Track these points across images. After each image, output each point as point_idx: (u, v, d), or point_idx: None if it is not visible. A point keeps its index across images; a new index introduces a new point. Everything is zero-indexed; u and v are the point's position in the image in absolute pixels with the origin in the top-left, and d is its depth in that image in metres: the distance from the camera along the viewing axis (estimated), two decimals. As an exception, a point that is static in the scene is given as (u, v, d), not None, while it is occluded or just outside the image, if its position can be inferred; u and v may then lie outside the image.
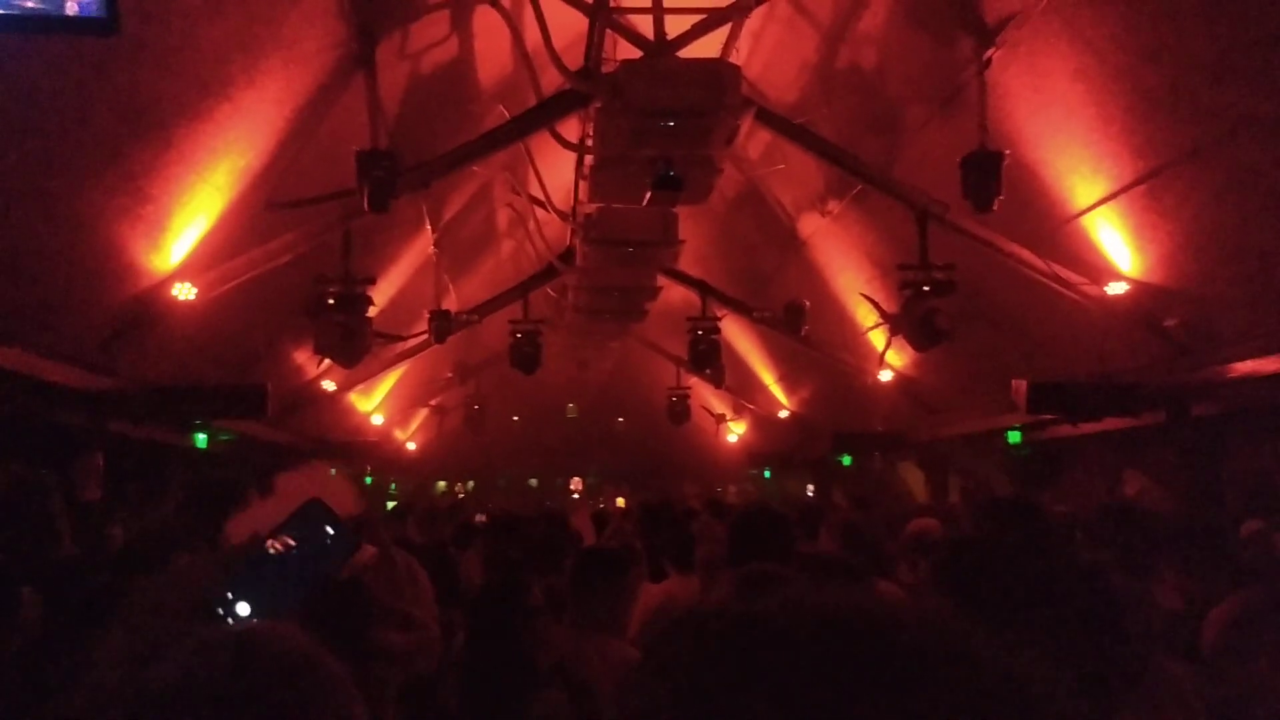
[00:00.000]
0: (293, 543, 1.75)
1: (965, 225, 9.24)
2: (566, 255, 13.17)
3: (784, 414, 19.20)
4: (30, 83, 5.74)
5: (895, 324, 10.58)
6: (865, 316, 12.98)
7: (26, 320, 7.52)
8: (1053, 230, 8.80)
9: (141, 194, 7.51)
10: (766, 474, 23.03)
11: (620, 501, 21.53)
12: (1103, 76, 7.30)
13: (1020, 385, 10.10)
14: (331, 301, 9.37)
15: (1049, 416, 11.14)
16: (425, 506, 9.72)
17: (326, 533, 1.76)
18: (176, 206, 8.00)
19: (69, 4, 4.07)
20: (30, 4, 4.01)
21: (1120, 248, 8.53)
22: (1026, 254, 9.26)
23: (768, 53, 10.95)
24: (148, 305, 8.52)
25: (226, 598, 1.66)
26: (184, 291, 8.55)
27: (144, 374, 9.26)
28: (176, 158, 7.48)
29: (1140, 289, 8.70)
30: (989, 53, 7.93)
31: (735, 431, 22.71)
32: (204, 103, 7.38)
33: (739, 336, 17.34)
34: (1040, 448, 12.76)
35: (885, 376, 13.72)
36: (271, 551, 1.74)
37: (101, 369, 8.66)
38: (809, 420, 18.33)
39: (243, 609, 1.66)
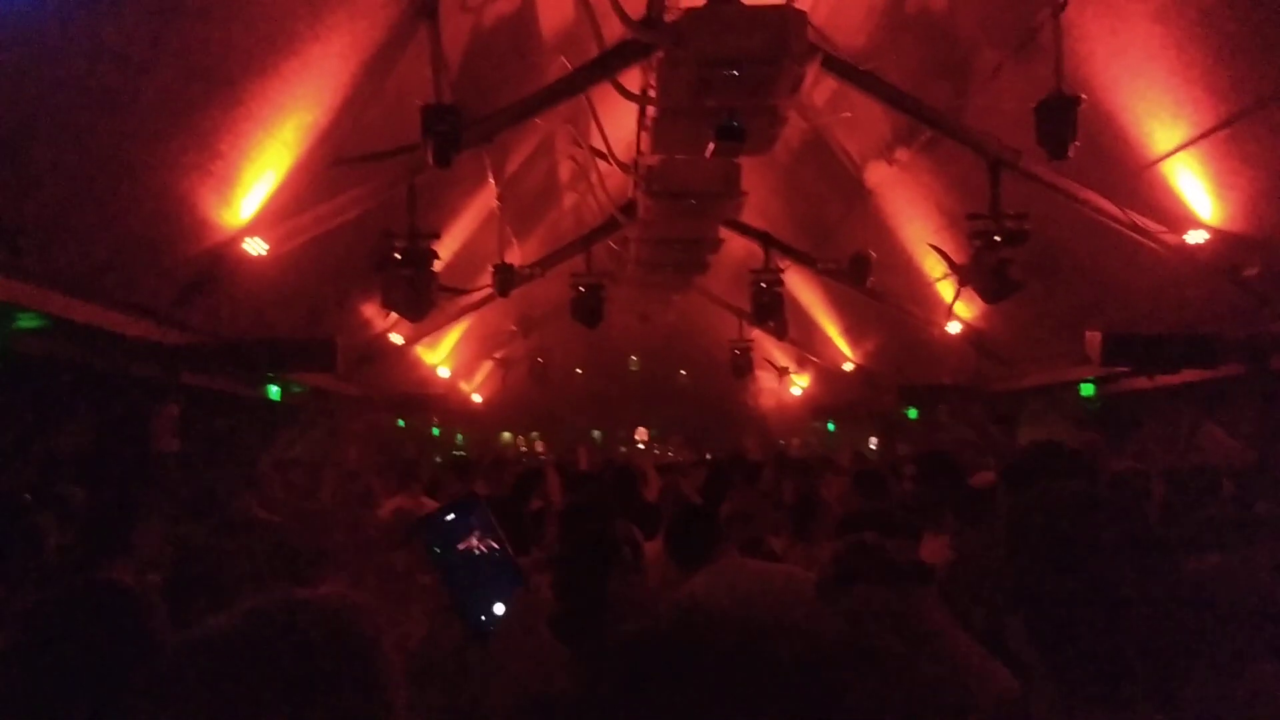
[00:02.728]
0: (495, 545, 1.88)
1: (1039, 173, 9.00)
2: (628, 208, 13.10)
3: (848, 367, 19.04)
4: (101, 40, 5.81)
5: (964, 275, 10.39)
6: (933, 267, 12.78)
7: (103, 276, 7.70)
8: (1130, 177, 8.55)
9: (212, 150, 7.61)
10: (830, 427, 22.91)
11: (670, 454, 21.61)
12: (1183, 18, 7.02)
13: (1094, 337, 9.89)
14: (398, 256, 9.46)
15: (1123, 369, 10.90)
16: (491, 459, 9.84)
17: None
18: (246, 162, 8.10)
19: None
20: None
21: (1200, 195, 8.26)
22: (1102, 202, 9.00)
23: (834, -3, 10.72)
24: (219, 260, 8.66)
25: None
26: (255, 246, 8.68)
27: (217, 328, 9.45)
28: (245, 114, 7.56)
29: (1220, 238, 8.43)
30: (1066, -7, 7.67)
31: (798, 384, 22.58)
32: (271, 58, 7.42)
33: (803, 288, 17.18)
34: (1114, 401, 12.50)
35: (953, 328, 13.51)
36: (476, 553, 1.87)
37: (176, 323, 8.86)
38: (874, 373, 18.16)
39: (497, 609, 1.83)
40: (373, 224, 9.70)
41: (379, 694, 1.31)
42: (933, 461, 5.23)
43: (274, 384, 11.62)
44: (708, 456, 16.57)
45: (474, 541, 1.90)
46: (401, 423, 18.53)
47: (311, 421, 14.48)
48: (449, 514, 1.87)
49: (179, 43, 6.44)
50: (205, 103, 7.15)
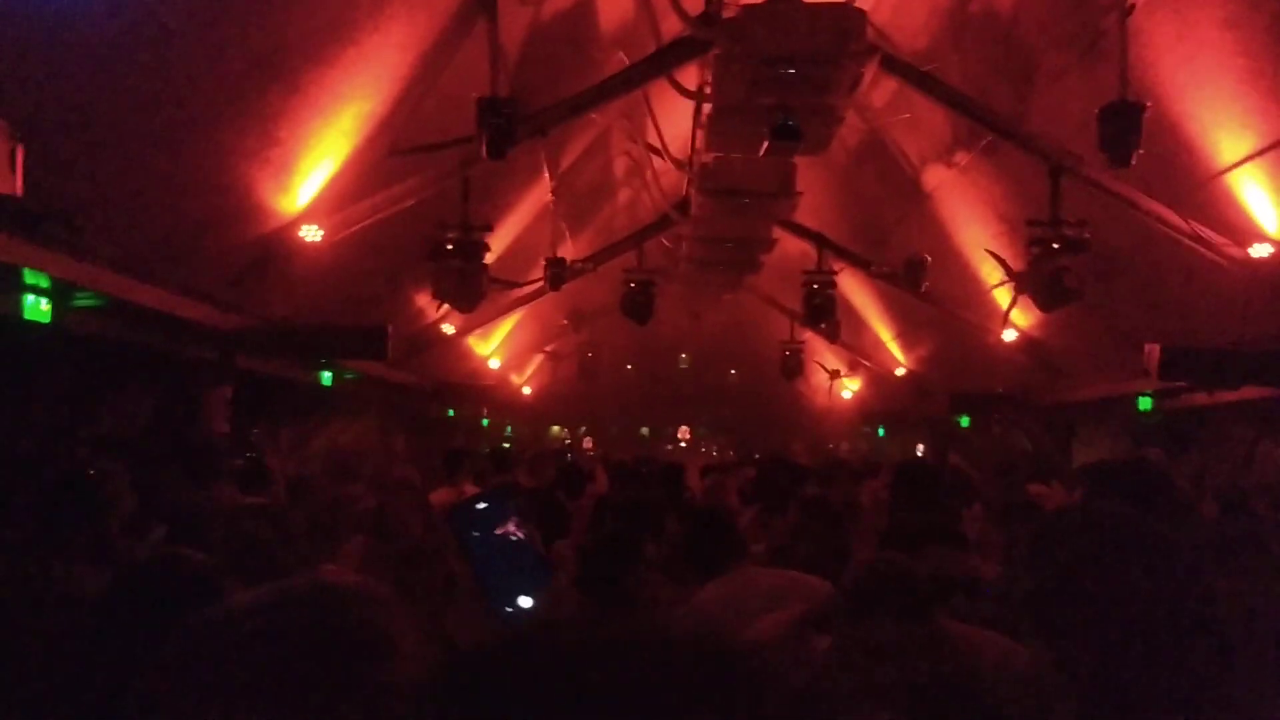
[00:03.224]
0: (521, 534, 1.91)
1: (1100, 180, 8.83)
2: (682, 205, 13.08)
3: (900, 372, 18.84)
4: (163, 25, 5.91)
5: (1021, 282, 10.23)
6: (990, 274, 12.59)
7: (160, 258, 7.85)
8: (1194, 188, 8.35)
9: (270, 137, 7.73)
10: (880, 432, 22.69)
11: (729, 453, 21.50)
12: (1254, 26, 6.84)
13: (1153, 349, 9.67)
14: (450, 247, 9.53)
15: (1182, 384, 10.65)
16: (534, 451, 9.89)
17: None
18: (303, 150, 8.21)
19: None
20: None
21: (1266, 208, 8.04)
22: (1165, 212, 8.81)
23: (896, -3, 10.58)
24: (276, 246, 8.80)
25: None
26: (311, 233, 8.80)
27: (271, 312, 9.60)
28: (303, 102, 7.66)
29: (1286, 251, 8.20)
30: (1133, -2, 7.51)
31: (849, 388, 22.39)
32: (330, 48, 7.51)
33: (856, 291, 17.02)
34: (1172, 416, 12.23)
35: (1009, 336, 13.30)
36: (511, 540, 1.90)
37: (230, 306, 9.01)
38: (926, 379, 17.95)
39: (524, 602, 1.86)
40: (427, 214, 9.78)
41: (393, 671, 1.30)
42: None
43: (326, 370, 11.77)
44: (756, 457, 16.51)
45: (510, 528, 1.91)
46: (451, 413, 18.68)
47: (363, 408, 14.65)
48: (482, 502, 1.88)
49: (240, 30, 6.54)
50: (265, 90, 7.26)
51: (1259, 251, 8.32)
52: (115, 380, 8.48)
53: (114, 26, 5.68)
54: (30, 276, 6.79)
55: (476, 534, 1.90)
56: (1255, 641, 2.34)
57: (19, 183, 5.29)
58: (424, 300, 12.73)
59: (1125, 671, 1.65)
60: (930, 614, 2.28)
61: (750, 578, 3.24)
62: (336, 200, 8.91)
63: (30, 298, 6.91)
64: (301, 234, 8.74)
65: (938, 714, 2.25)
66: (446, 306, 11.62)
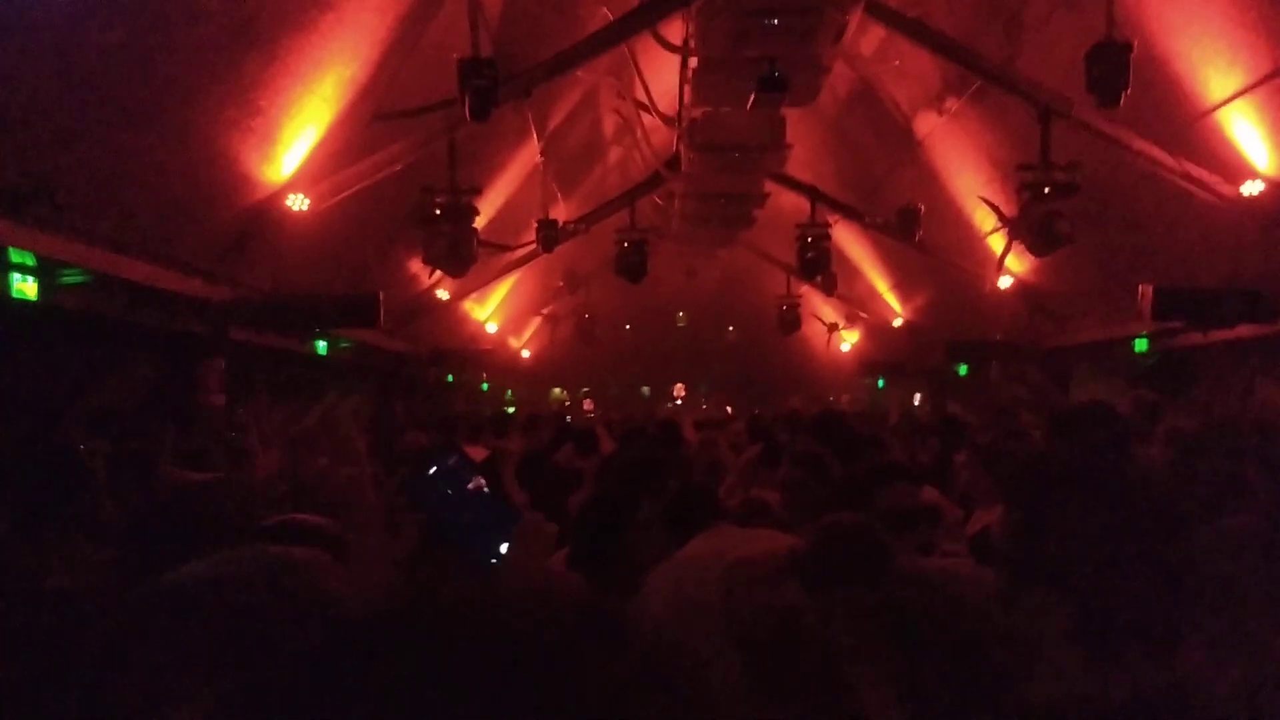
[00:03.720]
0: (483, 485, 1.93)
1: (1091, 122, 8.76)
2: (673, 162, 13.00)
3: (898, 322, 18.81)
4: (136, -2, 5.85)
5: (1014, 228, 10.18)
6: (984, 220, 12.53)
7: (148, 233, 7.82)
8: (1184, 126, 8.28)
9: (251, 106, 7.67)
10: (880, 383, 22.71)
11: (728, 410, 21.56)
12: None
13: (1146, 290, 9.64)
14: (438, 212, 9.48)
15: (1177, 324, 10.64)
16: (529, 413, 9.89)
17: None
18: (286, 118, 8.15)
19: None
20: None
21: (1257, 144, 7.98)
22: (1156, 151, 8.74)
23: (881, -57, 10.44)
24: (263, 216, 8.75)
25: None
26: (297, 202, 8.75)
27: (262, 283, 9.57)
28: (283, 70, 7.59)
29: (1276, 188, 8.15)
30: (1119, -65, 7.41)
31: (847, 340, 22.39)
32: (308, 14, 7.44)
33: (851, 243, 16.96)
34: (1169, 357, 12.21)
35: (1004, 283, 13.26)
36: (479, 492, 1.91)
37: (221, 278, 8.98)
38: (923, 328, 17.93)
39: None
40: (415, 179, 9.72)
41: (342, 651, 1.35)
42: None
43: (321, 339, 11.76)
44: (756, 413, 16.55)
45: (471, 486, 1.92)
46: (450, 378, 18.69)
47: (359, 377, 14.66)
48: (431, 466, 1.88)
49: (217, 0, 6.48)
50: (244, 59, 7.20)
51: (1250, 189, 8.27)
52: (107, 357, 8.47)
53: (92, 5, 5.63)
54: (16, 255, 6.77)
55: (449, 493, 1.90)
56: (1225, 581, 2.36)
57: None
58: (417, 266, 12.70)
59: (1097, 615, 1.66)
60: (888, 570, 2.29)
61: (725, 535, 3.26)
62: (322, 168, 8.85)
63: (17, 276, 6.89)
64: (288, 203, 8.69)
65: (914, 660, 2.27)
66: (439, 272, 11.59)
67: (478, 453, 7.09)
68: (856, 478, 3.52)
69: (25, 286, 7.04)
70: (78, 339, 8.04)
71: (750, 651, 2.27)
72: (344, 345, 12.65)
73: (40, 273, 7.08)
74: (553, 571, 3.59)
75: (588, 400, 25.52)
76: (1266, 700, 1.93)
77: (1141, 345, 12.18)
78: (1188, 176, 8.60)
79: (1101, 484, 1.72)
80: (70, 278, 7.20)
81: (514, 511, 1.95)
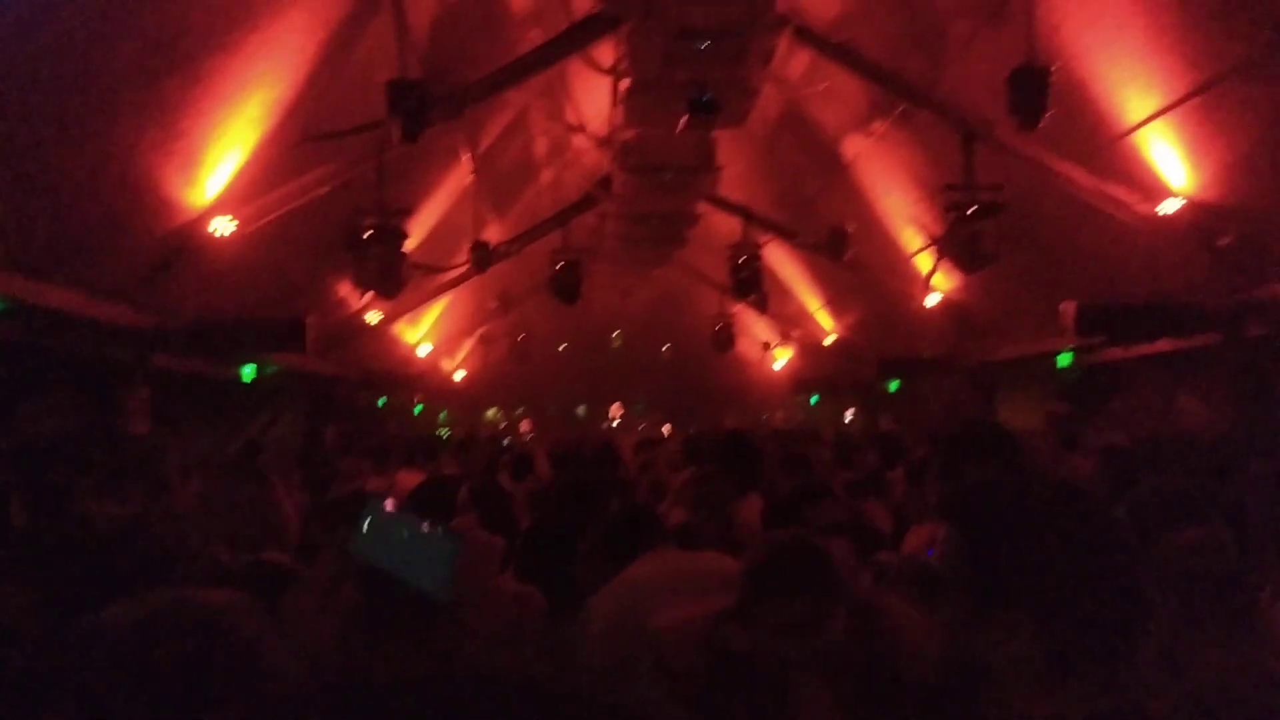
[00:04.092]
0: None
1: (1012, 143, 8.95)
2: (605, 183, 13.02)
3: (829, 340, 19.03)
4: (53, 17, 5.70)
5: (941, 246, 10.36)
6: (911, 240, 12.75)
7: (69, 259, 7.60)
8: (1103, 147, 8.50)
9: (174, 128, 7.50)
10: (814, 400, 22.93)
11: (666, 429, 21.58)
12: (1155, -15, 6.97)
13: (1069, 307, 9.87)
14: (368, 234, 9.36)
15: (1099, 339, 10.90)
16: (460, 436, 9.81)
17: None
18: (210, 140, 7.99)
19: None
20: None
21: (1173, 164, 8.22)
22: (1076, 172, 8.97)
23: (808, -33, 10.60)
24: (187, 240, 8.56)
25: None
26: (223, 225, 8.58)
27: (187, 308, 9.36)
28: (206, 91, 7.44)
29: (1193, 207, 8.40)
30: (1036, -40, 7.59)
31: (780, 358, 22.58)
32: (231, 34, 7.30)
33: (783, 262, 17.12)
34: (1092, 371, 12.51)
35: (932, 300, 13.49)
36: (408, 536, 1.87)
37: (145, 305, 8.77)
38: (855, 346, 18.16)
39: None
40: (344, 201, 9.60)
41: (260, 687, 1.35)
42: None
43: (248, 365, 11.52)
44: (691, 433, 16.61)
45: (407, 528, 1.87)
46: (382, 401, 18.45)
47: (289, 402, 14.40)
48: (365, 520, 1.83)
49: (135, 18, 6.33)
50: (165, 80, 7.04)
51: (1168, 207, 8.50)
52: (27, 386, 8.21)
53: (4, 27, 5.46)
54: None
55: (388, 541, 1.85)
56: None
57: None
58: (347, 289, 12.53)
59: (1053, 637, 1.67)
60: (837, 584, 2.29)
61: (666, 560, 3.24)
62: (248, 191, 8.69)
63: (-71, 306, 6.65)
64: (213, 227, 8.52)
65: (860, 680, 2.27)
66: (370, 294, 11.45)
67: (412, 478, 7.01)
68: (788, 497, 3.56)
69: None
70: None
71: (686, 696, 2.27)
72: (271, 370, 12.40)
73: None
74: (505, 585, 3.54)
75: (526, 420, 25.38)
76: (1222, 713, 1.96)
77: (1065, 360, 12.45)
78: (1107, 196, 8.83)
79: (1043, 503, 1.73)
80: (-13, 306, 6.98)
81: (454, 537, 1.91)
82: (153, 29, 6.57)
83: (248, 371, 11.46)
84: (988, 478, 1.81)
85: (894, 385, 17.33)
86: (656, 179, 11.45)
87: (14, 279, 7.16)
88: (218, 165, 8.21)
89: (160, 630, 1.36)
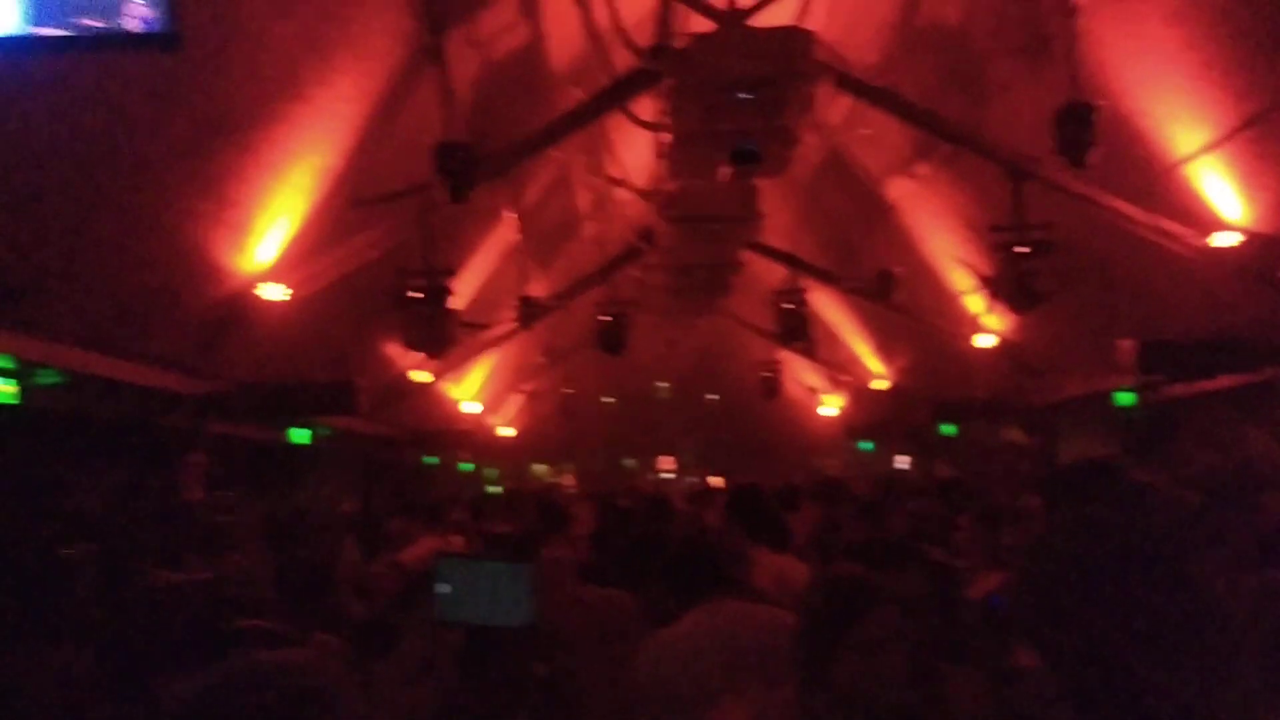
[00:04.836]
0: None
1: (1061, 181, 8.84)
2: (648, 234, 13.05)
3: (880, 384, 18.81)
4: (104, 94, 5.84)
5: (992, 287, 10.22)
6: (961, 280, 12.60)
7: (124, 329, 7.74)
8: (1154, 181, 8.37)
9: (224, 198, 7.65)
10: (868, 446, 22.63)
11: (718, 481, 21.41)
12: (1199, 19, 6.89)
13: (1127, 345, 9.67)
14: (415, 295, 9.44)
15: (1160, 376, 10.67)
16: (508, 493, 9.77)
17: None
18: (259, 209, 8.13)
19: (130, 20, 4.08)
20: (90, 22, 4.03)
21: (1227, 196, 8.06)
22: (1128, 207, 8.82)
23: (846, 13, 10.63)
24: (239, 307, 8.68)
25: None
26: (274, 291, 8.70)
27: (240, 374, 9.47)
28: (255, 161, 7.59)
29: (1250, 239, 8.22)
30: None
31: (830, 404, 22.37)
32: (279, 105, 7.46)
33: (830, 307, 17.02)
34: (1153, 409, 12.22)
35: (985, 342, 13.30)
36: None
37: (198, 372, 8.89)
38: (907, 389, 17.93)
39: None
40: (393, 263, 9.70)
41: None
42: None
43: (300, 428, 11.62)
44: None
45: (477, 572, 1.89)
46: (432, 460, 18.52)
47: (340, 464, 14.49)
48: (437, 582, 1.84)
49: (186, 94, 6.47)
50: (215, 152, 7.20)
51: (1223, 240, 8.33)
52: (86, 456, 8.33)
53: (58, 101, 5.61)
54: (-9, 359, 6.67)
55: (464, 590, 1.87)
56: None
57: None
58: (395, 349, 12.62)
59: (1126, 677, 1.59)
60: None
61: (724, 610, 3.14)
62: (298, 257, 8.81)
63: (-6, 380, 6.79)
64: (265, 293, 8.63)
65: None
66: (419, 354, 11.51)
67: (456, 541, 6.98)
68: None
69: (3, 389, 6.93)
70: (55, 439, 7.91)
71: None
72: (324, 432, 12.50)
73: (17, 375, 6.97)
74: (587, 594, 3.48)
75: (567, 475, 25.32)
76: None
77: (1126, 399, 12.19)
78: (1160, 230, 8.67)
79: (1115, 558, 1.65)
80: (47, 378, 7.10)
81: (522, 565, 1.91)
82: (203, 101, 6.72)
83: (300, 435, 11.56)
84: (1109, 520, 1.73)
85: (950, 429, 17.05)
86: (699, 229, 11.43)
87: (71, 351, 7.29)
88: (268, 233, 8.34)
89: (240, 693, 1.39)
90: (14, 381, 7.03)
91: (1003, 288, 9.61)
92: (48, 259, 6.51)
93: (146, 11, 4.17)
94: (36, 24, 4.12)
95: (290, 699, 1.39)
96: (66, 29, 4.13)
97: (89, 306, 7.30)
